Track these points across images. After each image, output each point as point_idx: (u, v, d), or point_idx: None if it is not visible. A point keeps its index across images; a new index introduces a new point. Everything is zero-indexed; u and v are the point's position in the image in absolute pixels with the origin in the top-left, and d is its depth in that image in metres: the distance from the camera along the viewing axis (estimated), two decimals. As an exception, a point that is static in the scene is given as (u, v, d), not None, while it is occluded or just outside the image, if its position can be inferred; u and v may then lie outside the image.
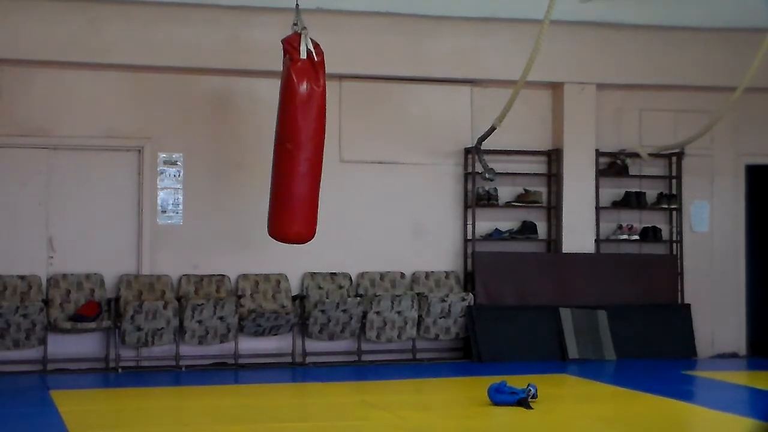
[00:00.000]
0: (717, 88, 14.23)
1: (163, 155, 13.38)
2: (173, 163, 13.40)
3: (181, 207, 13.39)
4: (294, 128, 11.72)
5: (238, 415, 10.35)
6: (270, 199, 12.01)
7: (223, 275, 13.39)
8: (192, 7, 13.11)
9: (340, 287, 13.71)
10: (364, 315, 13.40)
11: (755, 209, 15.04)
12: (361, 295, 13.62)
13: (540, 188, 14.33)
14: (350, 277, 13.79)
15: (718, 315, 14.74)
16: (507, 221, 14.23)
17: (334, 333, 13.39)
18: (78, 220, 13.12)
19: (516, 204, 14.23)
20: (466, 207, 14.14)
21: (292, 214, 11.86)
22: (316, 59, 11.69)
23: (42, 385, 11.93)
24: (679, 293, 14.54)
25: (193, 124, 13.45)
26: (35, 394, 11.55)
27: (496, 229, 14.14)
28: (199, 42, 13.20)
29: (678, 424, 10.45)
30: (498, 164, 13.80)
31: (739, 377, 13.45)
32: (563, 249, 14.22)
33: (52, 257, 13.03)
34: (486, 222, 14.16)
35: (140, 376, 12.71)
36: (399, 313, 13.48)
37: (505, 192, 14.23)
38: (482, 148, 13.53)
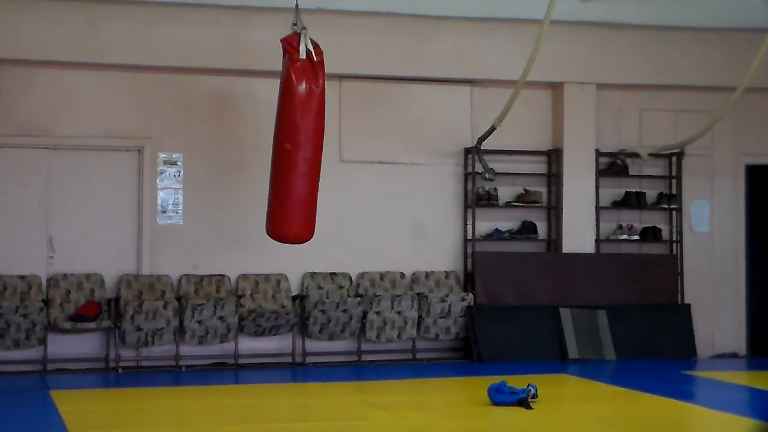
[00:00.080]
0: (717, 88, 14.23)
1: (163, 155, 13.38)
2: (173, 163, 13.40)
3: (181, 207, 13.39)
4: (293, 128, 11.72)
5: (238, 415, 10.35)
6: (269, 198, 11.99)
7: (223, 275, 13.39)
8: (192, 7, 13.11)
9: (340, 287, 13.71)
10: (364, 315, 13.40)
11: (755, 209, 15.04)
12: (361, 295, 13.62)
13: (540, 188, 14.33)
14: (350, 277, 13.79)
15: (718, 315, 14.74)
16: (507, 221, 14.23)
17: (334, 333, 13.39)
18: (78, 220, 13.12)
19: (516, 204, 14.23)
20: (466, 207, 14.14)
21: (290, 214, 11.85)
22: (315, 59, 11.68)
23: (42, 385, 11.93)
24: (679, 293, 14.54)
25: (193, 124, 13.45)
26: (35, 394, 11.55)
27: (496, 229, 14.14)
28: (199, 42, 13.20)
29: (678, 424, 10.45)
30: (498, 164, 13.81)
31: (739, 377, 13.45)
32: (563, 249, 14.22)
33: (52, 257, 13.04)
34: (486, 222, 14.16)
35: (140, 376, 12.71)
36: (399, 313, 13.48)
37: (505, 192, 14.24)
38: (482, 148, 13.53)
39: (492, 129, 13.11)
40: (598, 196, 14.41)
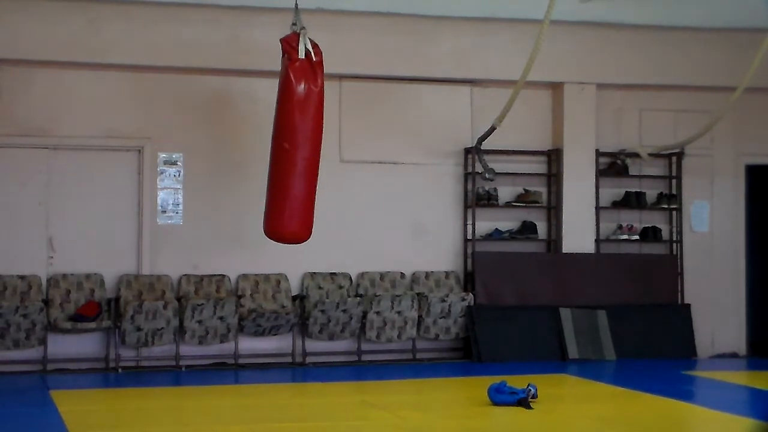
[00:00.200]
0: (717, 88, 14.22)
1: (163, 155, 13.38)
2: (173, 163, 13.40)
3: (181, 207, 13.39)
4: (291, 128, 11.70)
5: (238, 415, 10.35)
6: (266, 198, 11.97)
7: (223, 275, 13.39)
8: (192, 7, 13.11)
9: (340, 287, 13.71)
10: (364, 315, 13.40)
11: (755, 209, 15.04)
12: (361, 295, 13.62)
13: (540, 188, 14.33)
14: (350, 277, 13.79)
15: (718, 315, 14.74)
16: (507, 221, 14.23)
17: (334, 333, 13.39)
18: (78, 220, 13.12)
19: (516, 204, 14.23)
20: (466, 207, 14.14)
21: (288, 214, 11.82)
22: (314, 59, 11.67)
23: (42, 385, 11.93)
24: (679, 293, 14.54)
25: (193, 124, 13.46)
26: (35, 394, 11.55)
27: (496, 229, 14.14)
28: (199, 42, 13.20)
29: (678, 424, 10.45)
30: (498, 164, 13.81)
31: (739, 377, 13.45)
32: (563, 249, 14.22)
33: (52, 257, 13.04)
34: (486, 222, 14.16)
35: (140, 376, 12.71)
36: (399, 313, 13.48)
37: (505, 192, 14.24)
38: (482, 148, 13.53)
39: (492, 129, 13.11)
40: (598, 196, 14.41)
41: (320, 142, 11.87)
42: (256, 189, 12.81)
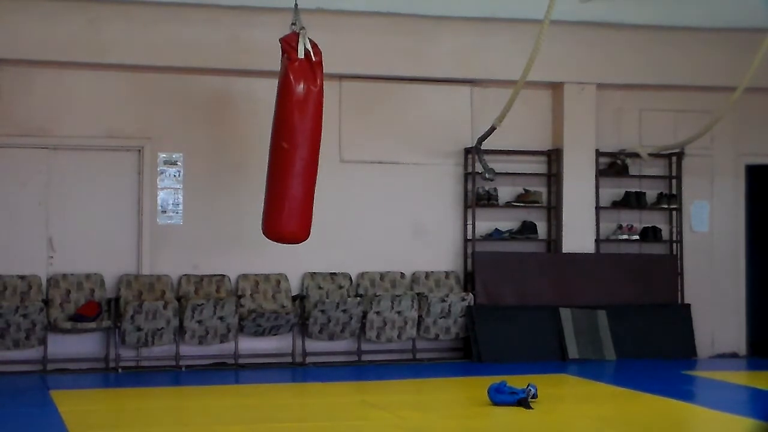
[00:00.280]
0: (717, 88, 14.22)
1: (163, 155, 13.38)
2: (173, 163, 13.40)
3: (181, 207, 13.39)
4: (290, 127, 11.69)
5: (238, 415, 10.35)
6: (265, 198, 11.95)
7: (223, 275, 13.39)
8: (192, 7, 13.11)
9: (340, 287, 13.71)
10: (364, 315, 13.40)
11: (755, 209, 15.04)
12: (361, 295, 13.62)
13: (540, 188, 14.33)
14: (350, 277, 13.79)
15: (718, 315, 14.74)
16: (507, 221, 14.23)
17: (334, 333, 13.39)
18: (78, 220, 13.12)
19: (516, 204, 14.23)
20: (466, 207, 14.14)
21: (286, 214, 11.81)
22: (314, 59, 11.66)
23: (42, 385, 11.93)
24: (679, 293, 14.54)
25: (193, 124, 13.46)
26: (35, 394, 11.55)
27: (496, 229, 14.14)
28: (199, 42, 13.20)
29: (678, 424, 10.45)
30: (498, 164, 13.80)
31: (739, 377, 13.45)
32: (563, 249, 14.23)
33: (52, 257, 13.04)
34: (486, 222, 14.16)
35: (140, 376, 12.71)
36: (399, 313, 13.48)
37: (505, 192, 14.24)
38: (482, 148, 13.52)
39: (492, 129, 13.11)
40: (598, 196, 14.41)
41: (319, 142, 11.86)
42: (256, 189, 12.80)
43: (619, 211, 14.58)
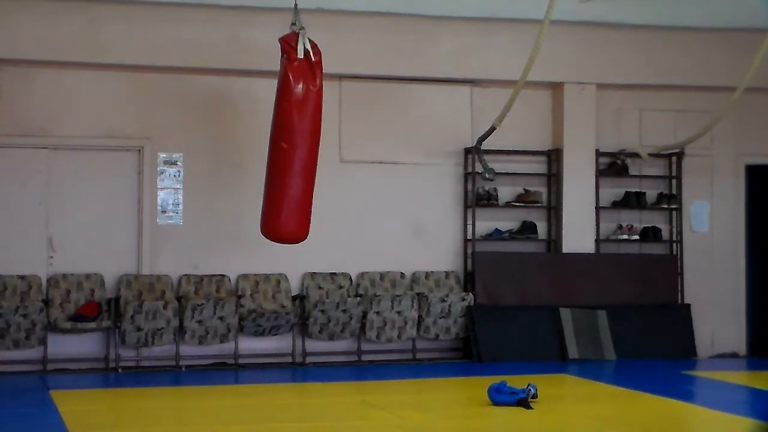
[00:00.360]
0: (717, 88, 14.22)
1: (163, 155, 13.38)
2: (173, 163, 13.40)
3: (181, 207, 13.39)
4: (289, 127, 11.69)
5: (238, 415, 10.35)
6: (264, 198, 11.95)
7: (223, 275, 13.39)
8: (192, 7, 13.11)
9: (340, 287, 13.71)
10: (364, 315, 13.40)
11: (755, 209, 15.04)
12: (361, 295, 13.62)
13: (540, 188, 14.33)
14: (350, 277, 13.79)
15: (718, 315, 14.74)
16: (507, 221, 14.23)
17: (334, 333, 13.39)
18: (78, 220, 13.12)
19: (516, 204, 14.23)
20: (466, 207, 14.14)
21: (285, 214, 11.81)
22: (313, 59, 11.66)
23: (42, 385, 11.93)
24: (679, 293, 14.54)
25: (193, 124, 13.46)
26: (35, 394, 11.55)
27: (496, 229, 14.14)
28: (199, 42, 13.20)
29: (678, 424, 10.45)
30: (498, 164, 13.81)
31: (739, 377, 13.45)
32: (563, 249, 14.22)
33: (52, 257, 13.04)
34: (486, 222, 14.16)
35: (140, 376, 12.71)
36: (399, 313, 13.48)
37: (505, 192, 14.24)
38: (482, 148, 13.53)
39: (492, 129, 13.11)
40: (598, 196, 14.41)
41: (318, 142, 11.86)
42: (256, 189, 12.80)
43: (619, 211, 14.58)
